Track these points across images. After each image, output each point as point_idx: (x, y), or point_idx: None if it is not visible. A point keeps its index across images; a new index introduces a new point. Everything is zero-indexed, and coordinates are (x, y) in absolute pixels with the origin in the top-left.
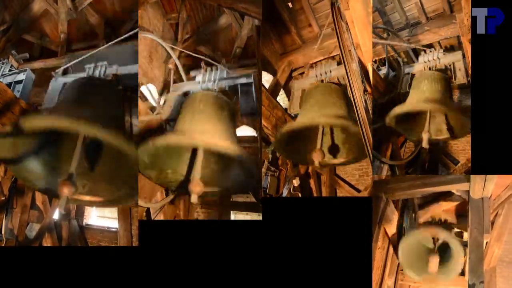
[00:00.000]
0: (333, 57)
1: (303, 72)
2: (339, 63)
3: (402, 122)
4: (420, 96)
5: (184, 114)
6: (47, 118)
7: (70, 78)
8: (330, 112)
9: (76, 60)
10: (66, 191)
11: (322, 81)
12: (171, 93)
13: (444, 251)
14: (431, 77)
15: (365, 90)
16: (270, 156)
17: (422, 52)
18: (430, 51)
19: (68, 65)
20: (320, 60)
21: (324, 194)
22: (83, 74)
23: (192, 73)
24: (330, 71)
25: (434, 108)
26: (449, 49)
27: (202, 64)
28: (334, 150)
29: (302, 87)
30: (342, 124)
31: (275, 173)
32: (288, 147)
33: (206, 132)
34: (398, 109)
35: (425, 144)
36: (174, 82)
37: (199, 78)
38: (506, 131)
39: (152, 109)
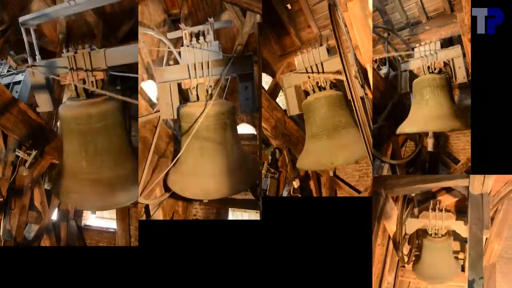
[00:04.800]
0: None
1: None
2: (329, 51)
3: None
4: (423, 112)
5: (190, 148)
6: None
7: None
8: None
9: None
10: None
11: (317, 83)
12: (160, 84)
13: None
14: (433, 84)
15: (364, 91)
16: (269, 157)
17: (417, 45)
18: (426, 44)
19: None
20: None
21: (324, 195)
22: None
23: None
24: (322, 64)
25: (439, 127)
26: (447, 42)
27: (182, 25)
28: None
29: (294, 84)
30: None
31: (275, 175)
32: None
33: (215, 177)
34: (407, 129)
35: (430, 148)
36: None
37: (184, 53)
38: (506, 130)
39: (152, 105)
